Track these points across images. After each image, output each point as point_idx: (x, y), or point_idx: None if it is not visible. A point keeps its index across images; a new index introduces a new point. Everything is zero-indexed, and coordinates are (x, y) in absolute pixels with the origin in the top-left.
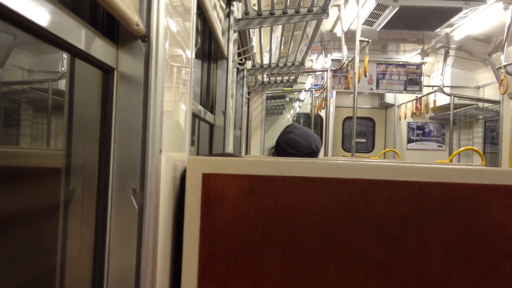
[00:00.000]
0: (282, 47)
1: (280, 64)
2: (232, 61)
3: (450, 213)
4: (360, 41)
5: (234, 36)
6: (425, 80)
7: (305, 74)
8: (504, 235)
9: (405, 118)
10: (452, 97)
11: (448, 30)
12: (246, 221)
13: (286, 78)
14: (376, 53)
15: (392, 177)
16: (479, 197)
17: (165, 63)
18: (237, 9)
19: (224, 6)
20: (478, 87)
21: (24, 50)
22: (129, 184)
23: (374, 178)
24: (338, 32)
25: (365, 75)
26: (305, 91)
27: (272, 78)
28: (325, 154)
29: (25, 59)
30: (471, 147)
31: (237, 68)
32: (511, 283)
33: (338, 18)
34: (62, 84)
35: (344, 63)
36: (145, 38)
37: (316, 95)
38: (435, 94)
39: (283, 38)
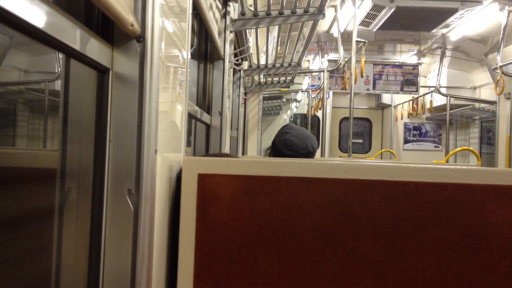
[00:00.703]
0: (278, 47)
1: (277, 65)
2: (229, 62)
3: (445, 213)
4: (357, 41)
5: (230, 36)
6: (421, 81)
7: (302, 74)
8: (499, 235)
9: (401, 118)
10: (449, 97)
11: (444, 30)
12: (241, 221)
13: (282, 78)
14: (373, 54)
15: (387, 177)
16: (474, 197)
17: (160, 64)
18: (233, 10)
19: (220, 6)
20: (475, 88)
21: (20, 50)
22: (124, 185)
23: (369, 178)
24: (335, 32)
25: (362, 76)
26: (301, 91)
27: (269, 79)
28: (322, 155)
29: (22, 59)
30: (467, 147)
31: (234, 69)
32: (506, 283)
33: (335, 19)
34: (59, 85)
35: (340, 63)
36: (140, 38)
37: (312, 96)
38: (431, 95)
39: (280, 38)
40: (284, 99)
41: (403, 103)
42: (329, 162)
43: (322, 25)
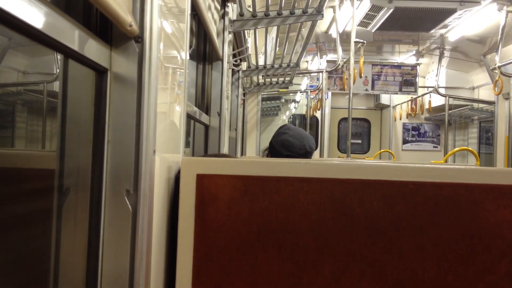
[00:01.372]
0: (277, 48)
1: (275, 65)
2: (227, 62)
3: (445, 213)
4: (355, 42)
5: (229, 37)
6: (420, 81)
7: (301, 75)
8: (499, 235)
9: (400, 119)
10: (447, 98)
11: (443, 31)
12: (240, 221)
13: (281, 79)
14: (371, 54)
15: (386, 177)
16: (473, 197)
17: (159, 64)
18: (232, 11)
19: (218, 7)
20: (473, 88)
21: (19, 52)
22: (122, 185)
23: (368, 178)
24: (333, 33)
25: (360, 76)
26: (300, 92)
27: (268, 80)
28: (321, 155)
29: (20, 61)
30: (466, 147)
31: (232, 70)
32: (506, 283)
33: (333, 20)
34: (57, 86)
35: (339, 64)
36: (139, 38)
37: (311, 96)
38: (430, 95)
39: (278, 39)
40: (283, 100)
41: (401, 103)
42: (328, 162)
43: (320, 26)
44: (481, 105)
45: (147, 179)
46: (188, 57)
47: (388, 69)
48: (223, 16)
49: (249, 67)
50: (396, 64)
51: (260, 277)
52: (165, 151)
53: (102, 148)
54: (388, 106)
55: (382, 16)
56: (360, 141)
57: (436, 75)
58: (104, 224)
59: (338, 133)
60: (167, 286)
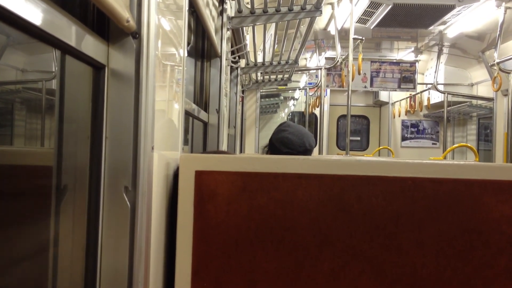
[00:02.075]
0: (275, 45)
1: (274, 63)
2: (226, 59)
3: (443, 208)
4: (354, 39)
5: (227, 34)
6: (419, 78)
7: (299, 72)
8: (498, 230)
9: (399, 116)
10: (446, 94)
11: (441, 27)
12: (239, 218)
13: (280, 76)
14: (370, 51)
15: (385, 173)
16: (472, 192)
17: (156, 61)
18: (230, 7)
19: (217, 4)
20: (472, 85)
21: (17, 49)
22: (121, 182)
23: (367, 174)
24: (332, 30)
25: (359, 73)
26: (299, 89)
27: (266, 77)
28: (320, 152)
29: (19, 58)
30: (464, 144)
31: (231, 67)
32: (505, 278)
33: (332, 16)
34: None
35: (338, 61)
36: (136, 34)
37: (310, 94)
38: (429, 92)
39: (277, 36)
40: (282, 97)
41: (400, 100)
42: (326, 158)
43: (319, 23)
44: (480, 102)
45: (146, 175)
46: (186, 54)
47: (387, 66)
48: (221, 13)
49: (247, 64)
50: (394, 61)
51: (259, 273)
52: (164, 148)
53: (100, 145)
54: (387, 103)
55: (380, 13)
56: (359, 138)
57: (435, 72)
58: (102, 221)
59: (337, 130)
60: (166, 283)
